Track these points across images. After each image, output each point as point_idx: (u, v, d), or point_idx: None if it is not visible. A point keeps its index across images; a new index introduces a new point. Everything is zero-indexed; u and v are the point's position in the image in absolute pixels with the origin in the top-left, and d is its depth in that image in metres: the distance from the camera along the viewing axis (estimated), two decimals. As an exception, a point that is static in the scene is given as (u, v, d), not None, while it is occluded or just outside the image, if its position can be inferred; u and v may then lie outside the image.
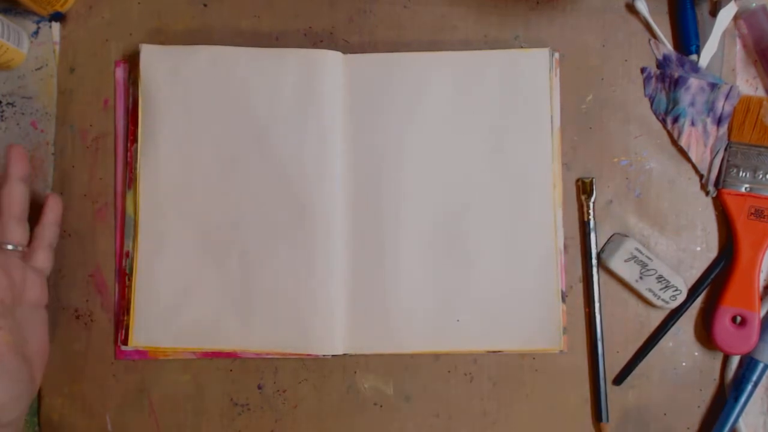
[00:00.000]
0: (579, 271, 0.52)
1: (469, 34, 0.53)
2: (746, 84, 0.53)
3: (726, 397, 0.50)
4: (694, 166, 0.52)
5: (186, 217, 0.51)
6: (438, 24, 0.53)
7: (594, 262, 0.51)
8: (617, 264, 0.50)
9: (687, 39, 0.52)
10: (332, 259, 0.50)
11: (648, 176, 0.52)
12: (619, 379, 0.51)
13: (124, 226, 0.51)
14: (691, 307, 0.51)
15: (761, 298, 0.50)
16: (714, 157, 0.52)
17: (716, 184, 0.51)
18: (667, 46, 0.53)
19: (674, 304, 0.50)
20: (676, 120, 0.52)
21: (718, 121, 0.51)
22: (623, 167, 0.52)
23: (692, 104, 0.51)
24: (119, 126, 0.52)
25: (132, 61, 0.52)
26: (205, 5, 0.53)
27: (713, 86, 0.51)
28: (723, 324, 0.50)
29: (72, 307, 0.51)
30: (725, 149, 0.51)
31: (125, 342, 0.50)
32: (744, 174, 0.51)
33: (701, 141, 0.52)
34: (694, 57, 0.52)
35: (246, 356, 0.51)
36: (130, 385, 0.51)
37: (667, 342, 0.51)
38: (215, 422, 0.51)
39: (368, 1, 0.53)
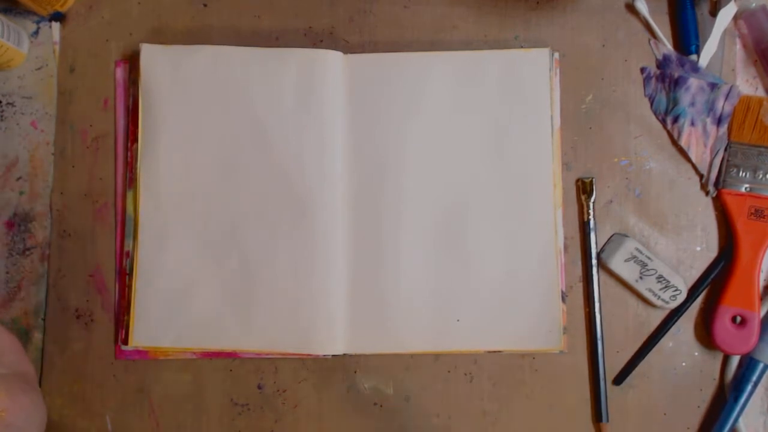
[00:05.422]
0: (579, 271, 0.52)
1: (469, 34, 0.53)
2: (746, 84, 0.53)
3: (726, 397, 0.50)
4: (694, 166, 0.52)
5: (186, 217, 0.51)
6: (438, 24, 0.53)
7: (594, 262, 0.51)
8: (617, 264, 0.50)
9: (687, 39, 0.52)
10: (332, 259, 0.50)
11: (648, 176, 0.52)
12: (619, 379, 0.51)
13: (125, 226, 0.51)
14: (691, 307, 0.51)
15: (761, 298, 0.50)
16: (714, 157, 0.52)
17: (716, 184, 0.51)
18: (667, 46, 0.53)
19: (674, 304, 0.50)
20: (676, 120, 0.52)
21: (718, 121, 0.51)
22: (623, 167, 0.52)
23: (692, 104, 0.51)
24: (119, 126, 0.52)
25: (132, 61, 0.52)
26: (205, 5, 0.53)
27: (713, 86, 0.51)
28: (723, 324, 0.50)
29: (72, 307, 0.51)
30: (725, 149, 0.51)
31: (125, 342, 0.50)
32: (744, 174, 0.51)
33: (701, 141, 0.52)
34: (694, 57, 0.52)
35: (246, 356, 0.51)
36: (130, 385, 0.51)
37: (667, 342, 0.51)
38: (215, 422, 0.51)
39: (368, 1, 0.53)
